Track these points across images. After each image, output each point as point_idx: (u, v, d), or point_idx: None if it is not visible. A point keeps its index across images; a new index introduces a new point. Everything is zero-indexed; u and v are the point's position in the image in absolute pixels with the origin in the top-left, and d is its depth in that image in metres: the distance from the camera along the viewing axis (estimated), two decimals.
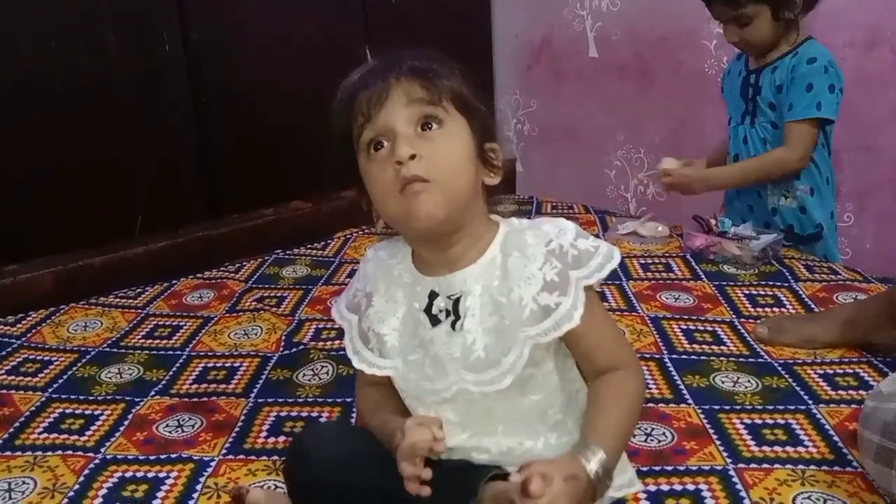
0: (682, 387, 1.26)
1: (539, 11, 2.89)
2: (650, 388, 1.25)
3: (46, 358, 1.48)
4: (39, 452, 1.15)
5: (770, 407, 1.19)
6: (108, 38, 2.12)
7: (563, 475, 0.75)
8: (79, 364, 1.45)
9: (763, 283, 1.67)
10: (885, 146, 2.12)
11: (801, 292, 1.61)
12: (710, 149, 2.01)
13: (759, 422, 1.15)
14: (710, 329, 1.47)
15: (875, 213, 2.18)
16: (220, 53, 2.34)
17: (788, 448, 1.08)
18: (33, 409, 1.29)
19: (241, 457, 1.13)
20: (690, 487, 1.01)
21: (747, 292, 1.62)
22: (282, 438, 1.17)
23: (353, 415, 1.22)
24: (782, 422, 1.15)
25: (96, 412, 1.27)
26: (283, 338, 1.52)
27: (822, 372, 1.29)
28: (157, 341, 1.55)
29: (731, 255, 1.76)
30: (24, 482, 1.08)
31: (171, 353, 1.49)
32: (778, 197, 1.81)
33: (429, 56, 0.87)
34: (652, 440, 1.11)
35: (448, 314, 0.87)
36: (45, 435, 1.21)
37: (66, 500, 1.04)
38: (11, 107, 1.99)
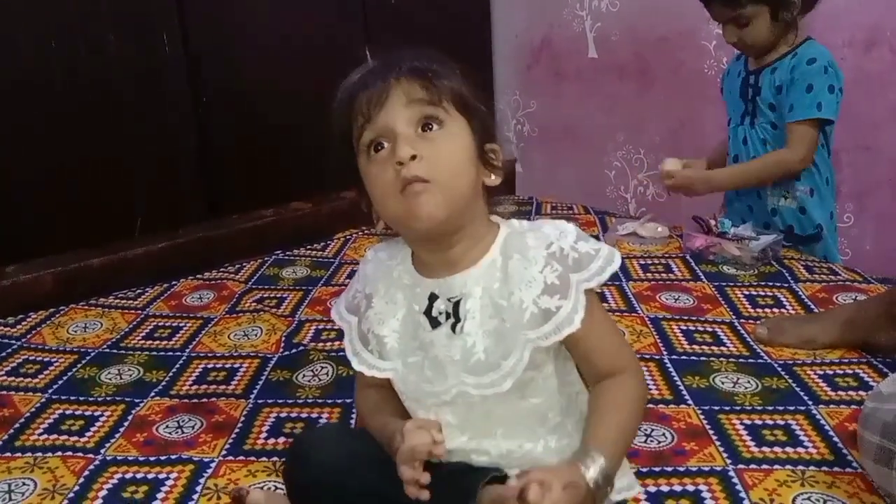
0: (681, 387, 1.26)
1: (539, 12, 2.90)
2: (650, 389, 1.25)
3: (46, 359, 1.48)
4: (39, 454, 1.15)
5: (770, 407, 1.19)
6: (108, 38, 2.13)
7: (561, 483, 0.75)
8: (79, 365, 1.45)
9: (763, 283, 1.67)
10: (884, 146, 2.13)
11: (800, 293, 1.61)
12: (710, 149, 2.01)
13: (759, 422, 1.15)
14: (709, 330, 1.47)
15: (874, 213, 2.18)
16: (220, 53, 2.34)
17: (788, 449, 1.08)
18: (33, 410, 1.29)
19: (241, 458, 1.13)
20: (690, 488, 1.01)
21: (747, 293, 1.62)
22: (282, 439, 1.17)
23: (353, 416, 1.22)
24: (782, 422, 1.15)
25: (96, 413, 1.27)
26: (283, 339, 1.52)
27: (821, 372, 1.29)
28: (157, 342, 1.55)
29: (731, 255, 1.76)
30: (24, 483, 1.08)
31: (171, 354, 1.49)
32: (777, 197, 1.81)
33: (429, 56, 0.86)
34: (652, 441, 1.11)
35: (448, 316, 0.87)
36: (45, 436, 1.20)
37: (66, 502, 1.04)
38: (11, 107, 2.00)
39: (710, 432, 1.13)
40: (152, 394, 1.33)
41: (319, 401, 1.28)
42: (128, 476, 1.09)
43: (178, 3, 2.23)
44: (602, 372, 0.87)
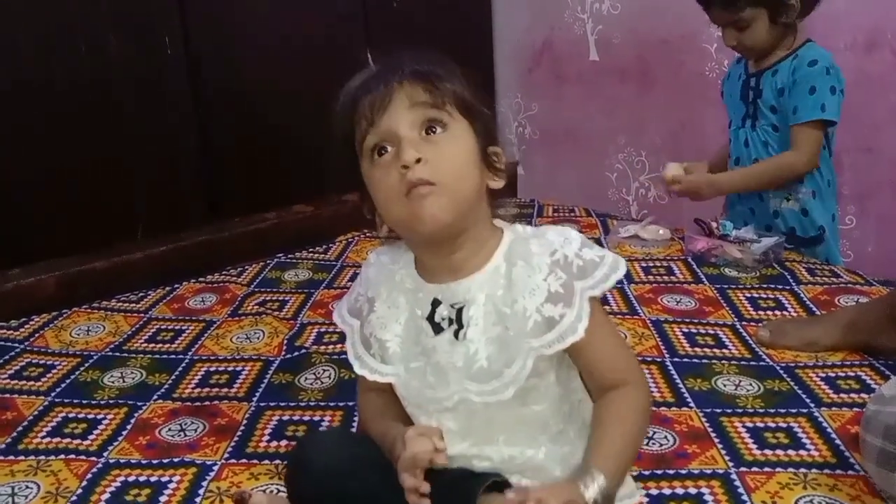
0: (683, 390, 1.26)
1: (540, 14, 2.90)
2: (651, 392, 1.25)
3: (49, 362, 1.48)
4: (42, 457, 1.15)
5: (772, 410, 1.19)
6: (109, 39, 2.13)
7: (559, 502, 0.74)
8: (81, 368, 1.45)
9: (764, 286, 1.67)
10: (885, 148, 2.13)
11: (802, 295, 1.61)
12: (712, 152, 2.01)
13: (761, 425, 1.15)
14: (711, 332, 1.47)
15: (876, 215, 2.19)
16: (221, 54, 2.34)
17: (790, 451, 1.08)
18: (36, 413, 1.29)
19: (244, 461, 1.13)
20: (692, 491, 1.01)
21: (749, 295, 1.62)
22: (284, 442, 1.17)
23: (356, 419, 1.22)
24: (784, 425, 1.15)
25: (99, 416, 1.27)
26: (286, 342, 1.52)
27: (823, 375, 1.29)
28: (160, 345, 1.55)
29: (733, 258, 1.76)
30: (27, 486, 1.08)
31: (173, 357, 1.49)
32: (779, 200, 1.81)
33: (431, 59, 0.86)
34: (654, 444, 1.11)
35: (451, 323, 0.86)
36: (48, 439, 1.20)
37: None
38: (11, 107, 2.00)
39: (712, 435, 1.13)
40: (155, 397, 1.33)
41: (322, 404, 1.28)
42: (131, 479, 1.09)
43: (179, 3, 2.24)
44: (606, 382, 0.86)
